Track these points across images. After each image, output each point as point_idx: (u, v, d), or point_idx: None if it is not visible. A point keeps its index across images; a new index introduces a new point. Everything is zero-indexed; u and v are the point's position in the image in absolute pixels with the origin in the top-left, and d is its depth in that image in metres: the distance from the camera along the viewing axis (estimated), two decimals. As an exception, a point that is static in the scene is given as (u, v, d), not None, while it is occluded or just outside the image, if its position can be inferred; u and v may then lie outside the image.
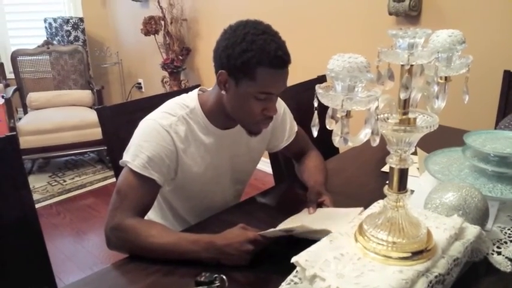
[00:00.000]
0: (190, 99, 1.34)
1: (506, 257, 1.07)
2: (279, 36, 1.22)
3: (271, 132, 1.48)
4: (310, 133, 0.83)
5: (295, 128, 1.54)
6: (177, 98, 1.36)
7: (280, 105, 1.49)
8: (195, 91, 1.36)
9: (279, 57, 1.17)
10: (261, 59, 1.16)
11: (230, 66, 1.20)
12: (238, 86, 1.21)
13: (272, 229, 1.10)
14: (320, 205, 1.32)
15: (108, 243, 1.22)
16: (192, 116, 1.31)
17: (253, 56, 1.16)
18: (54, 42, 4.19)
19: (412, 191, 1.26)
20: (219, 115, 1.31)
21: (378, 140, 0.81)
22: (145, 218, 1.28)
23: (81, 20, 4.33)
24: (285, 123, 1.51)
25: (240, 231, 1.11)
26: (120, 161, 1.28)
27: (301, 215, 1.30)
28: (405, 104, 0.87)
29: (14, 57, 3.90)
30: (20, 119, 3.79)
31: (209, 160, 1.35)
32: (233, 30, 1.21)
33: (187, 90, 1.42)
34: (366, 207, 1.12)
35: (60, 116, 3.67)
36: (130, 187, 1.22)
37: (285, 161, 1.76)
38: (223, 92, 1.25)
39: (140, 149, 1.24)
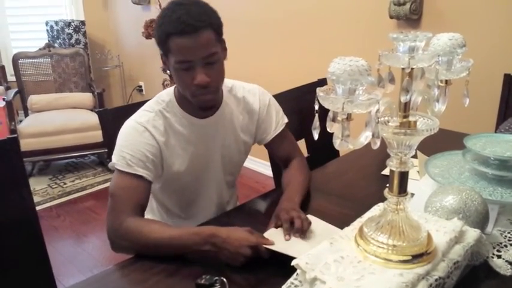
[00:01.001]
0: (166, 93, 1.36)
1: (507, 261, 1.07)
2: (195, 4, 1.21)
3: (256, 124, 1.47)
4: (311, 136, 0.84)
5: (285, 119, 1.52)
6: (156, 95, 1.38)
7: (265, 97, 1.49)
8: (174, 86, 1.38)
9: (183, 23, 1.16)
10: (169, 30, 1.18)
11: (158, 46, 1.24)
12: (168, 62, 1.25)
13: (275, 247, 1.10)
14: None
15: (112, 246, 1.22)
16: (168, 109, 1.33)
17: (163, 29, 1.19)
18: (56, 45, 4.20)
19: (413, 194, 1.26)
20: (186, 102, 1.32)
21: (378, 143, 0.82)
22: None
23: (82, 23, 4.34)
24: (270, 114, 1.49)
25: (245, 233, 1.11)
26: (109, 164, 1.30)
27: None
28: (406, 107, 0.88)
29: (15, 59, 3.92)
30: (20, 121, 3.79)
31: (192, 150, 1.36)
32: (160, 13, 1.26)
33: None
34: (366, 210, 1.12)
35: (61, 119, 3.67)
36: (121, 188, 1.24)
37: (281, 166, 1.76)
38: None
39: (122, 149, 1.26)
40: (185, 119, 1.34)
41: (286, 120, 1.53)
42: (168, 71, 1.28)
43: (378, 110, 0.80)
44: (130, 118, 1.32)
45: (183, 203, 1.45)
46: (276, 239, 1.15)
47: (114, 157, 1.27)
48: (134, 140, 1.27)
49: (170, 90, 1.37)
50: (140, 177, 1.25)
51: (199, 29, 1.17)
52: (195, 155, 1.37)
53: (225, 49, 1.30)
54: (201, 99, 1.26)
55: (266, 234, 1.18)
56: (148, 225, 1.18)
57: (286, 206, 1.26)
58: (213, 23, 1.21)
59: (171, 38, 1.18)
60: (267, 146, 1.54)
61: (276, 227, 1.21)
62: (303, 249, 1.05)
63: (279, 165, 1.60)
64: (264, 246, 1.10)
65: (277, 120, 1.50)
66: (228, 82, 1.41)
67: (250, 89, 1.47)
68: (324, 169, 1.70)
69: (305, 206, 1.34)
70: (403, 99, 0.85)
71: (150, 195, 1.29)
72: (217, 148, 1.41)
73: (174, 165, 1.34)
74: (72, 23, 4.29)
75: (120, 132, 1.31)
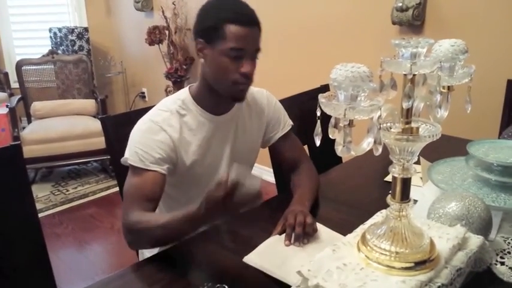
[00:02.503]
0: (182, 92, 1.41)
1: (510, 267, 1.06)
2: (244, 1, 1.31)
3: (265, 123, 1.51)
4: (313, 142, 0.83)
5: (290, 122, 1.56)
6: (173, 95, 1.42)
7: (272, 98, 1.54)
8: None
9: (245, 15, 1.26)
10: (228, 16, 1.24)
11: (204, 30, 1.28)
12: (214, 47, 1.27)
13: (268, 266, 1.08)
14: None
15: (127, 243, 1.24)
16: (184, 106, 1.37)
17: (219, 16, 1.25)
18: (59, 51, 4.22)
19: (415, 201, 1.25)
20: (207, 97, 1.36)
21: (380, 149, 0.81)
22: None
23: (85, 29, 4.36)
24: (278, 113, 1.53)
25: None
26: (121, 159, 1.33)
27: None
28: (408, 113, 0.88)
29: (18, 66, 3.93)
30: (24, 128, 3.80)
31: (207, 146, 1.39)
32: (206, 1, 1.33)
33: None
34: (369, 217, 1.12)
35: (64, 125, 3.68)
36: (132, 185, 1.27)
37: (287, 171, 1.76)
38: (201, 61, 1.31)
39: (136, 145, 1.29)
40: (201, 115, 1.37)
41: (291, 122, 1.56)
42: (202, 58, 1.30)
43: (379, 116, 0.80)
44: (145, 116, 1.35)
45: (191, 198, 1.45)
46: (278, 246, 1.15)
47: (127, 152, 1.31)
48: (149, 139, 1.29)
49: (185, 89, 1.41)
50: (152, 171, 1.27)
51: (255, 24, 1.28)
52: (209, 150, 1.40)
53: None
54: (240, 88, 1.31)
55: (269, 241, 1.18)
56: (147, 217, 1.20)
57: (295, 208, 1.28)
58: (259, 24, 1.30)
59: (229, 25, 1.24)
60: (273, 147, 1.56)
61: (281, 231, 1.22)
62: (303, 258, 1.05)
63: (284, 170, 1.60)
64: (257, 268, 1.09)
65: (285, 121, 1.55)
66: None
67: (258, 90, 1.53)
68: (326, 175, 1.70)
69: (310, 212, 1.34)
70: (405, 105, 0.85)
71: (164, 188, 1.30)
72: (230, 145, 1.44)
73: (189, 161, 1.36)
74: (76, 30, 4.31)
75: (134, 129, 1.33)
